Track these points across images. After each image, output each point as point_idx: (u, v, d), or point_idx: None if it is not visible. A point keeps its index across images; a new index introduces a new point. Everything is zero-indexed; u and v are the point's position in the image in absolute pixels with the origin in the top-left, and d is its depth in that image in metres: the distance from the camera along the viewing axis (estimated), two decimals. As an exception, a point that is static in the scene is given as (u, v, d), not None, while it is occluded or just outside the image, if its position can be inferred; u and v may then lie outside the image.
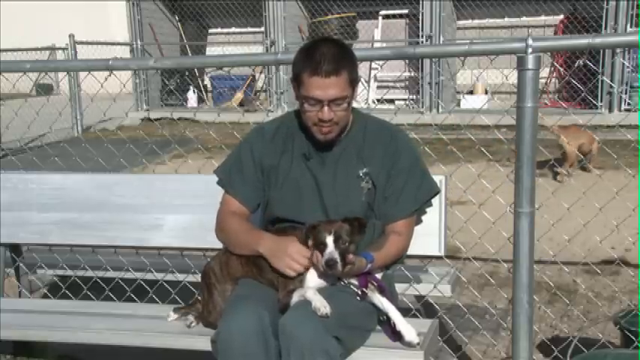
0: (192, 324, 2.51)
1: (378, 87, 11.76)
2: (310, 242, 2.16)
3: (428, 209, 2.47)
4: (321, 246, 2.12)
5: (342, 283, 2.20)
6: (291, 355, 2.04)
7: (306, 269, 2.19)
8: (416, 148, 2.46)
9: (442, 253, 2.75)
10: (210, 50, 13.37)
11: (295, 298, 2.15)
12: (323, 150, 2.35)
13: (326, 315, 2.06)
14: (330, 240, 2.11)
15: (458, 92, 11.48)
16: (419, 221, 2.46)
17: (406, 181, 2.34)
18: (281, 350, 2.08)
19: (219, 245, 2.49)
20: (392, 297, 2.36)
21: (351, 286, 2.20)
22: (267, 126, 2.48)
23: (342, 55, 2.21)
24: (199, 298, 2.59)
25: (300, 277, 2.19)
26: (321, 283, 2.18)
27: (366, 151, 2.35)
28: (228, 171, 2.45)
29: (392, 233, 2.34)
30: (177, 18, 12.80)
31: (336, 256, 2.09)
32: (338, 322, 2.09)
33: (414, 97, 11.34)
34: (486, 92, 11.01)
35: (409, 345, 2.22)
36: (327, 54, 2.16)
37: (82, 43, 10.93)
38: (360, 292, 2.19)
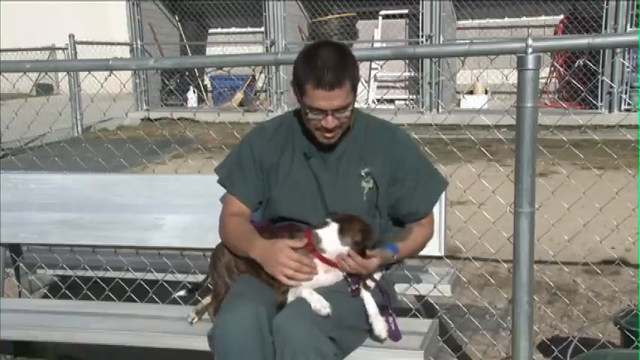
0: (195, 320, 2.52)
1: (378, 87, 11.76)
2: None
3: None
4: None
5: (344, 275, 2.19)
6: (285, 355, 2.04)
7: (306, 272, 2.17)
8: (417, 145, 2.49)
9: (442, 253, 2.75)
10: (210, 50, 13.37)
11: (291, 297, 2.15)
12: (324, 149, 2.34)
13: (327, 315, 2.07)
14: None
15: (458, 92, 11.49)
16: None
17: (417, 180, 2.36)
18: (275, 350, 2.09)
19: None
20: (391, 297, 2.37)
21: (348, 280, 2.20)
22: (267, 125, 2.47)
23: (344, 62, 2.18)
24: (199, 298, 2.60)
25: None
26: (316, 279, 2.17)
27: (367, 150, 2.36)
28: (228, 169, 2.45)
29: (415, 225, 2.38)
30: (177, 18, 12.81)
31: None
32: (333, 323, 2.09)
33: (414, 97, 11.35)
34: (486, 92, 11.02)
35: (377, 339, 2.25)
36: (329, 62, 2.14)
37: (82, 43, 10.93)
38: (353, 288, 2.20)
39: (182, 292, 2.67)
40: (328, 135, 2.25)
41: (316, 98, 2.16)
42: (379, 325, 2.24)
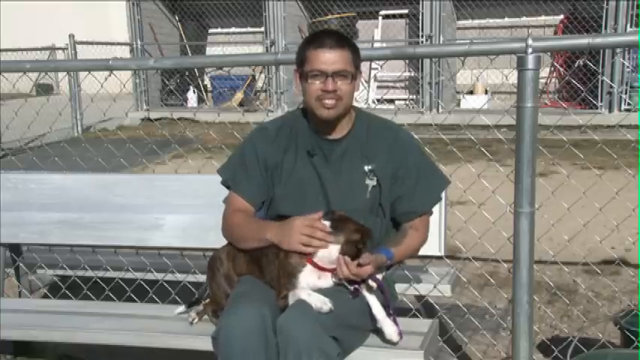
0: (195, 320, 2.52)
1: (378, 87, 11.76)
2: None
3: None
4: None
5: (334, 281, 2.19)
6: (288, 355, 2.04)
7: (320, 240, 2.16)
8: (418, 143, 2.50)
9: (442, 253, 2.75)
10: (210, 50, 13.37)
11: (291, 300, 2.15)
12: (327, 147, 2.35)
13: (330, 310, 2.07)
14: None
15: (458, 92, 11.48)
16: (430, 213, 2.46)
17: (418, 178, 2.36)
18: (279, 350, 2.09)
19: (218, 245, 2.49)
20: (391, 297, 2.36)
21: (345, 283, 2.19)
22: (269, 125, 2.48)
23: (346, 37, 2.33)
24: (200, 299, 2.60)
25: (293, 281, 2.18)
26: (313, 284, 2.17)
27: (370, 148, 2.36)
28: (232, 170, 2.45)
29: (409, 229, 2.37)
30: (177, 18, 12.81)
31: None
32: (335, 322, 2.09)
33: (414, 97, 11.35)
34: (486, 92, 11.02)
35: (389, 342, 2.24)
36: (331, 34, 2.30)
37: (82, 43, 10.93)
38: (352, 290, 2.19)
39: (181, 308, 2.65)
40: (328, 102, 2.25)
41: (317, 59, 2.23)
42: (389, 329, 2.24)
